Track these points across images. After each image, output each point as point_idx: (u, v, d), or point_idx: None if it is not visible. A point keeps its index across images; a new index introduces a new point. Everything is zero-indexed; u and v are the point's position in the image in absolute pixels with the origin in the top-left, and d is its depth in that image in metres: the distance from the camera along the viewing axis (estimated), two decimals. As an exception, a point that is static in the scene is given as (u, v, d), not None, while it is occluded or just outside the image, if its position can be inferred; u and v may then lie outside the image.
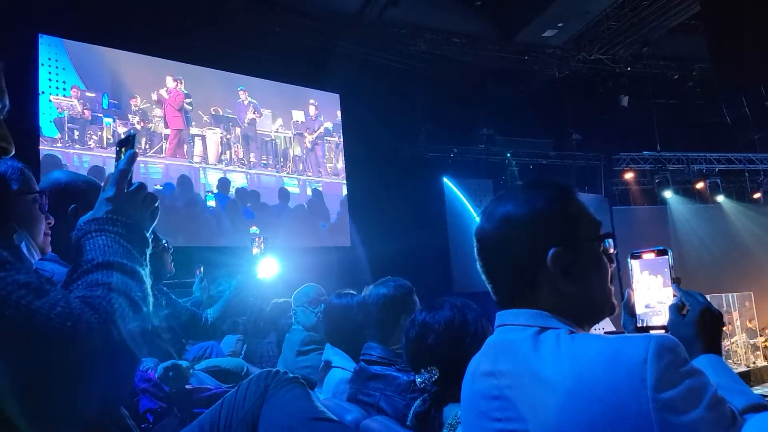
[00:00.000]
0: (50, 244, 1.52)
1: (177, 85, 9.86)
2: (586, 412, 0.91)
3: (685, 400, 0.87)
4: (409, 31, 9.95)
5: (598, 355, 0.93)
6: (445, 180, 11.42)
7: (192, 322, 3.02)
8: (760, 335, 11.49)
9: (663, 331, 1.17)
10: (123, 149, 1.20)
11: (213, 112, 10.44)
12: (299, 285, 3.71)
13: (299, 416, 1.67)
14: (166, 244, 2.80)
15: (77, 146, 9.14)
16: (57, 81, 9.10)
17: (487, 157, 11.85)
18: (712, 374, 0.99)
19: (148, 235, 1.13)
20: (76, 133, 9.22)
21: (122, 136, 1.25)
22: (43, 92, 8.76)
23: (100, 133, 9.36)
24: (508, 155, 11.85)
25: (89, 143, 9.30)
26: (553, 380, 0.95)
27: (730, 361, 10.09)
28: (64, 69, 9.10)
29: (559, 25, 10.15)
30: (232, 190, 10.27)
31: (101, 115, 9.41)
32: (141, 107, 9.86)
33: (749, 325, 11.27)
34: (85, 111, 9.25)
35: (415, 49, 10.16)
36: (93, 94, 9.37)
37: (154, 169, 9.85)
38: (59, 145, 8.96)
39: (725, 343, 9.88)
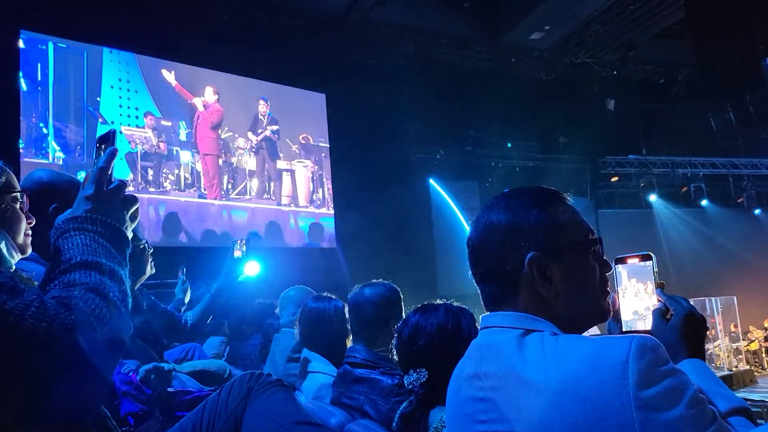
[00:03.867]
0: (31, 244, 1.49)
1: (217, 99, 8.61)
2: (570, 411, 0.91)
3: (665, 398, 0.88)
4: (397, 32, 9.97)
5: (581, 355, 0.94)
6: (431, 181, 11.44)
7: (171, 325, 2.99)
8: (743, 339, 11.61)
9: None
10: (103, 146, 1.18)
11: (302, 141, 9.43)
12: (283, 286, 3.68)
13: (283, 420, 1.66)
14: (146, 244, 2.76)
15: (151, 189, 7.78)
16: (129, 108, 7.78)
17: (473, 159, 11.89)
18: (695, 378, 0.99)
19: (128, 234, 1.11)
20: (150, 172, 7.84)
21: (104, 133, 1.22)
22: (112, 122, 7.55)
23: (177, 171, 8.08)
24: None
25: (165, 184, 7.91)
26: (538, 381, 0.95)
27: (713, 365, 10.18)
28: (137, 92, 7.84)
29: (547, 28, 10.21)
30: (326, 239, 9.31)
31: (178, 148, 8.14)
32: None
33: (732, 329, 11.38)
34: (161, 144, 7.94)
35: (402, 49, 10.17)
36: (169, 123, 8.08)
37: (237, 214, 8.52)
38: (131, 188, 7.32)
39: (708, 347, 9.96)
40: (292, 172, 9.30)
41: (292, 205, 9.22)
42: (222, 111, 8.65)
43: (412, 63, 10.35)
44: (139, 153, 7.77)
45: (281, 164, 9.19)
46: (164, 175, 7.99)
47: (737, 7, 7.16)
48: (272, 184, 9.05)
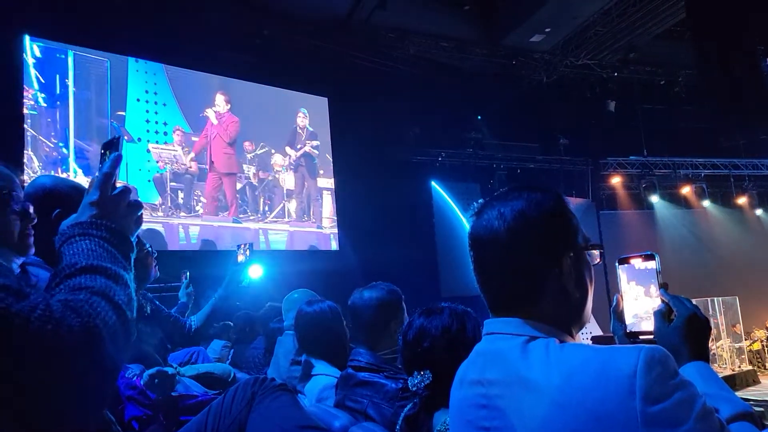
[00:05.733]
0: (35, 247, 1.49)
1: (229, 107, 7.93)
2: (573, 422, 0.90)
3: (674, 413, 0.87)
4: (398, 35, 9.97)
5: (587, 365, 0.93)
6: (433, 183, 11.44)
7: (175, 329, 3.00)
8: (746, 339, 11.58)
9: (651, 336, 1.17)
10: (107, 152, 1.18)
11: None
12: (287, 289, 3.69)
13: (286, 424, 1.66)
14: (149, 248, 2.77)
15: (182, 213, 7.14)
16: (157, 123, 7.13)
17: (474, 161, 11.90)
18: (699, 382, 0.99)
19: (132, 239, 1.12)
20: (181, 195, 7.23)
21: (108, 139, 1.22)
22: (139, 139, 6.92)
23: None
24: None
25: (197, 208, 7.29)
26: (542, 388, 0.95)
27: (716, 365, 10.16)
28: (165, 105, 7.22)
29: (547, 30, 10.21)
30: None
31: (207, 167, 7.52)
32: (257, 153, 8.01)
33: (734, 330, 11.35)
34: (192, 162, 7.31)
35: (403, 52, 10.18)
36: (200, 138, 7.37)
37: (276, 238, 7.86)
38: (160, 213, 6.79)
39: (711, 347, 9.95)
40: (333, 191, 8.70)
41: (334, 227, 8.64)
42: (238, 122, 8.03)
43: (413, 66, 10.36)
44: (168, 174, 7.14)
45: (322, 182, 8.54)
46: (196, 197, 7.39)
47: (737, 9, 7.16)
48: (312, 205, 8.52)
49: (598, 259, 1.14)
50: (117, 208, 1.10)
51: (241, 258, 3.03)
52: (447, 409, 1.65)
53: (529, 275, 1.07)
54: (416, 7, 9.72)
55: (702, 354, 1.12)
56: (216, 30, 8.49)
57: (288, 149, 8.49)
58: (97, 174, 1.14)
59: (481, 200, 1.17)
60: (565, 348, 0.98)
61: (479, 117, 11.55)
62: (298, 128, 8.63)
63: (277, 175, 8.28)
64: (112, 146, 1.19)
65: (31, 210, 1.40)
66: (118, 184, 1.15)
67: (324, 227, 8.71)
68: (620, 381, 0.89)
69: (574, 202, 11.35)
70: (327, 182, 8.85)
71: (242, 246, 3.06)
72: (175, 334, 3.03)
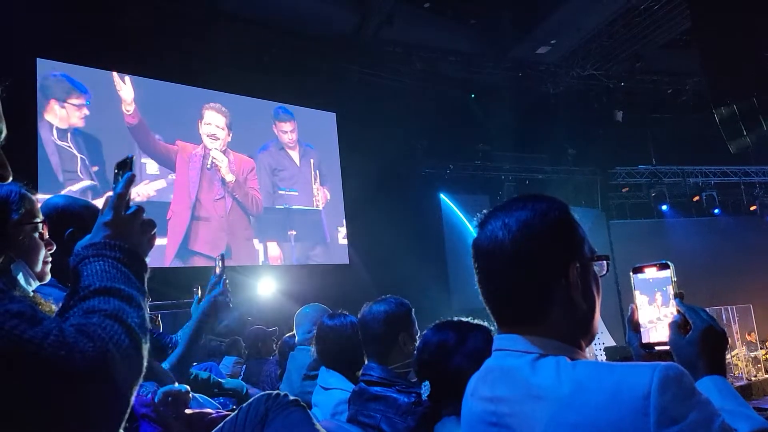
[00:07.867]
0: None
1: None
2: None
3: None
4: (405, 50, 10.03)
5: (599, 384, 0.91)
6: (442, 196, 11.43)
7: (156, 346, 2.91)
8: (761, 348, 11.45)
9: (667, 347, 1.15)
10: (120, 172, 1.19)
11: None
12: (298, 304, 3.69)
13: (300, 441, 1.66)
14: None
15: None
16: None
17: (483, 173, 11.90)
18: (716, 397, 0.97)
19: (146, 259, 1.12)
20: None
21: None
22: None
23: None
24: None
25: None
26: (552, 404, 0.94)
27: (731, 375, 10.04)
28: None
29: (552, 42, 10.23)
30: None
31: None
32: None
33: (749, 338, 11.23)
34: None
35: (410, 67, 10.23)
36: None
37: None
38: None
39: (726, 357, 9.81)
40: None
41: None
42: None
43: (420, 80, 10.40)
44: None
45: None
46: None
47: (743, 16, 7.15)
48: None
49: (605, 270, 1.12)
50: (131, 228, 1.11)
51: (217, 270, 3.00)
52: (449, 417, 1.66)
53: (534, 287, 1.05)
54: (423, 22, 9.78)
55: (719, 367, 1.09)
56: (223, 47, 8.57)
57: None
58: (110, 194, 1.14)
59: (485, 211, 1.15)
60: (577, 366, 0.97)
61: (473, 95, 11.37)
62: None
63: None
64: (125, 166, 1.19)
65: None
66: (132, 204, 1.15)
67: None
68: (634, 402, 0.87)
69: (583, 213, 11.30)
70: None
71: (217, 258, 3.03)
72: (157, 350, 2.94)
